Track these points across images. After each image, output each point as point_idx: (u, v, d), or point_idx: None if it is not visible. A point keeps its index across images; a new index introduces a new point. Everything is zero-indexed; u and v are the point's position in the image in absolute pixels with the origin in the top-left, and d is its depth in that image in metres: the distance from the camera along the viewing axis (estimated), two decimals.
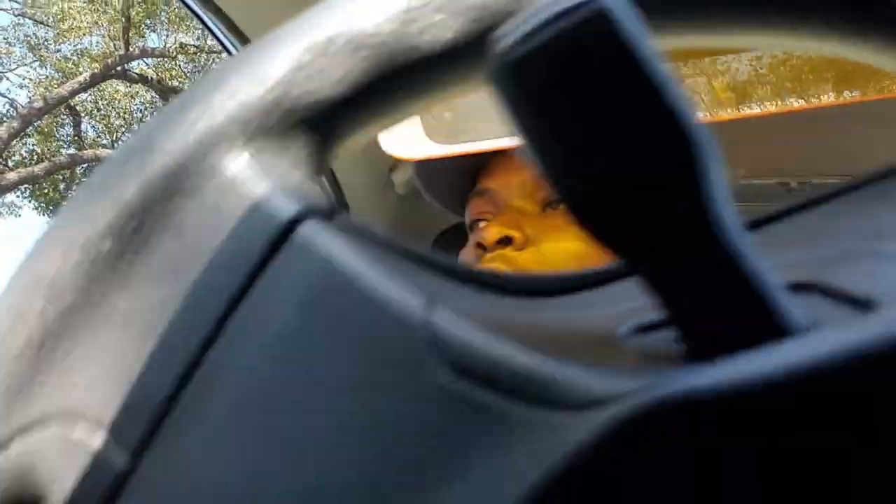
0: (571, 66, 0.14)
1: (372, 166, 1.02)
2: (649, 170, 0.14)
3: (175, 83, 8.58)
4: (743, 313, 0.14)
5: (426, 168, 0.79)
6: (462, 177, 0.78)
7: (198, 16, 0.95)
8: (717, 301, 0.14)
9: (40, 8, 8.78)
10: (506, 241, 0.67)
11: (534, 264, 0.66)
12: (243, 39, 0.93)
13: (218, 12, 0.91)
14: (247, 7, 0.90)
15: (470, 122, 0.76)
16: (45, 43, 9.05)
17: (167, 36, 8.61)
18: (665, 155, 0.14)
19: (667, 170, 0.14)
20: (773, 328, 0.14)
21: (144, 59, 8.38)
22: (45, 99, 7.72)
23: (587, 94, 0.14)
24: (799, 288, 0.17)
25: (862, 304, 0.15)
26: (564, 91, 0.14)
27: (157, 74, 8.53)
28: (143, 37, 8.62)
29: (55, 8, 8.50)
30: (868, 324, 0.12)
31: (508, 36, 0.14)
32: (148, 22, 8.55)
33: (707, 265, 0.14)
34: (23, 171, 8.01)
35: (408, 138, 0.78)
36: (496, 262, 0.67)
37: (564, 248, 0.67)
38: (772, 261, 0.18)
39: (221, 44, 0.97)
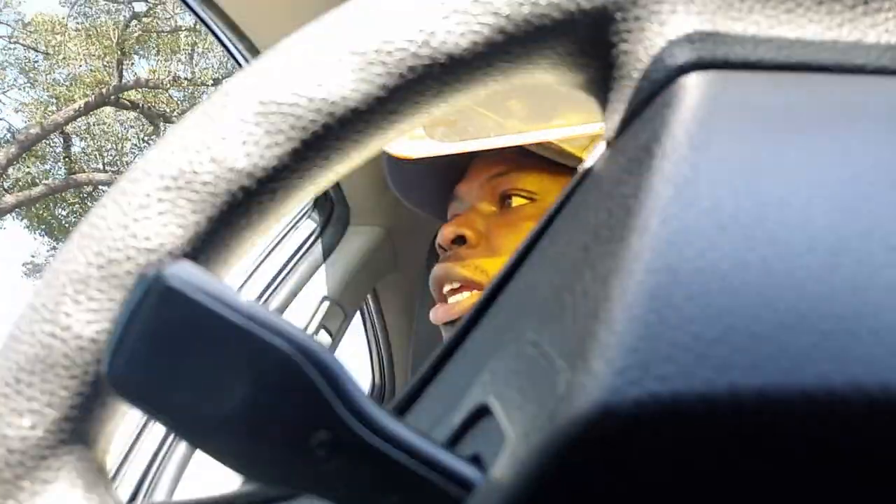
0: (168, 343, 0.15)
1: (372, 166, 1.03)
2: (278, 407, 0.15)
3: (162, 107, 8.79)
4: (419, 495, 0.15)
5: (402, 178, 0.81)
6: (442, 183, 0.79)
7: (199, 17, 0.96)
8: (390, 494, 0.15)
9: (32, 33, 8.90)
10: (460, 241, 0.70)
11: (487, 261, 0.68)
12: (246, 43, 0.93)
13: (220, 14, 0.91)
14: (248, 7, 0.91)
15: (470, 122, 0.77)
16: (36, 65, 9.21)
17: (157, 63, 8.78)
18: (285, 387, 0.14)
19: (293, 402, 0.14)
20: (449, 497, 0.15)
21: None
22: (42, 126, 7.98)
23: (193, 361, 0.15)
24: (481, 414, 0.17)
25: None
26: (173, 372, 0.15)
27: (146, 100, 8.73)
28: (132, 63, 8.80)
29: (51, 40, 8.66)
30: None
31: (106, 352, 0.15)
32: (136, 48, 8.69)
33: (368, 468, 0.15)
34: (20, 195, 8.19)
35: (407, 137, 0.79)
36: (450, 262, 0.70)
37: (517, 244, 0.68)
38: (450, 400, 0.19)
39: (224, 46, 0.98)
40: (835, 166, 0.16)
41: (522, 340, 0.17)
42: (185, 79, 8.68)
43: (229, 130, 0.21)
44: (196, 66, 8.84)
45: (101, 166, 9.40)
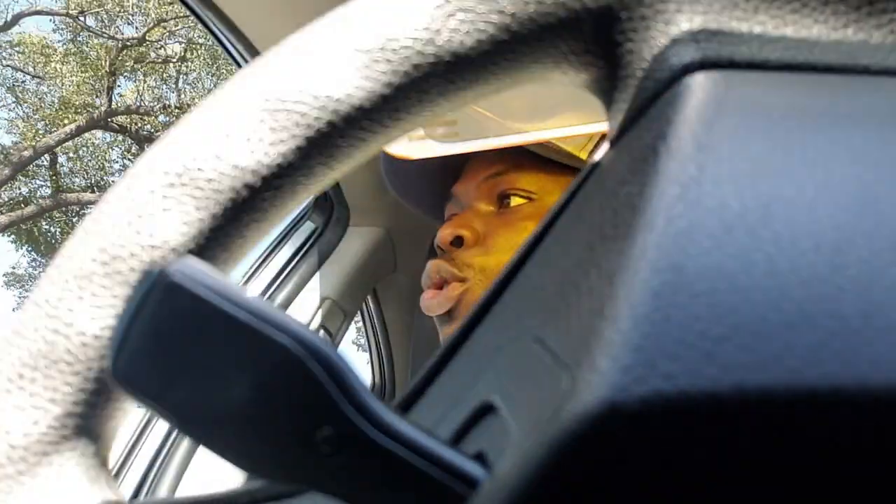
0: (172, 338, 0.15)
1: (372, 166, 1.03)
2: (282, 403, 0.15)
3: (148, 128, 8.98)
4: (423, 492, 0.15)
5: (400, 178, 0.81)
6: (439, 184, 0.79)
7: (199, 17, 0.96)
8: (395, 491, 0.15)
9: (20, 54, 9.00)
10: (458, 242, 0.70)
11: (484, 260, 0.68)
12: (245, 43, 0.93)
13: (219, 15, 0.91)
14: (247, 8, 0.91)
15: (469, 122, 0.78)
16: (24, 84, 9.29)
17: (142, 85, 8.92)
18: (290, 383, 0.14)
19: (297, 398, 0.15)
20: (453, 494, 0.15)
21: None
22: (34, 149, 8.18)
23: (197, 356, 0.15)
24: (486, 411, 0.17)
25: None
26: (177, 367, 0.15)
27: (133, 123, 8.89)
28: (118, 84, 8.97)
29: (39, 62, 8.78)
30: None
31: (110, 348, 0.15)
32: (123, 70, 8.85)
33: (372, 464, 0.15)
34: (13, 215, 8.38)
35: (407, 137, 0.79)
36: (445, 260, 0.70)
37: (514, 243, 0.69)
38: (454, 397, 0.19)
39: (224, 47, 0.98)
40: (840, 166, 0.16)
41: (527, 338, 0.17)
42: (176, 107, 8.85)
43: (234, 128, 0.21)
44: (182, 92, 9.01)
45: (84, 182, 9.57)
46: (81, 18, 8.66)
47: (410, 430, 0.15)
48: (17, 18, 8.60)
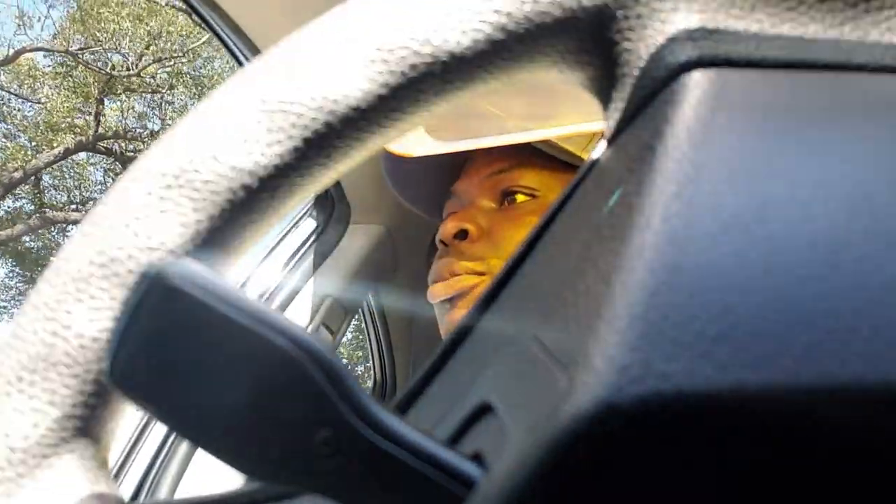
0: (170, 341, 0.15)
1: (372, 164, 1.03)
2: (281, 406, 0.15)
3: (132, 146, 9.11)
4: (421, 493, 0.15)
5: (401, 176, 0.81)
6: (438, 182, 0.79)
7: (201, 16, 0.96)
8: (392, 492, 0.15)
9: (8, 73, 9.09)
10: (462, 235, 0.70)
11: (488, 253, 0.68)
12: (247, 42, 0.93)
13: (221, 14, 0.91)
14: (248, 7, 0.91)
15: (470, 120, 0.78)
16: (9, 102, 9.37)
17: (124, 106, 9.03)
18: (288, 386, 0.14)
19: (295, 401, 0.14)
20: (451, 495, 0.15)
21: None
22: (24, 170, 8.38)
23: (195, 359, 0.15)
24: (484, 411, 0.17)
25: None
26: (175, 370, 0.15)
27: (118, 146, 8.98)
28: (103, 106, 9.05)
29: (25, 82, 8.87)
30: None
31: (108, 350, 0.15)
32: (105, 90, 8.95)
33: (370, 466, 0.15)
34: (2, 234, 8.47)
35: (408, 136, 0.79)
36: (452, 256, 0.69)
37: (519, 238, 0.68)
38: (453, 397, 0.19)
39: (226, 45, 0.98)
40: (836, 164, 0.16)
41: (525, 338, 0.17)
42: (161, 131, 8.94)
43: (231, 129, 0.21)
44: (166, 116, 9.12)
45: (66, 198, 9.67)
46: (80, 55, 8.74)
47: (408, 432, 0.15)
48: (18, 54, 8.69)
